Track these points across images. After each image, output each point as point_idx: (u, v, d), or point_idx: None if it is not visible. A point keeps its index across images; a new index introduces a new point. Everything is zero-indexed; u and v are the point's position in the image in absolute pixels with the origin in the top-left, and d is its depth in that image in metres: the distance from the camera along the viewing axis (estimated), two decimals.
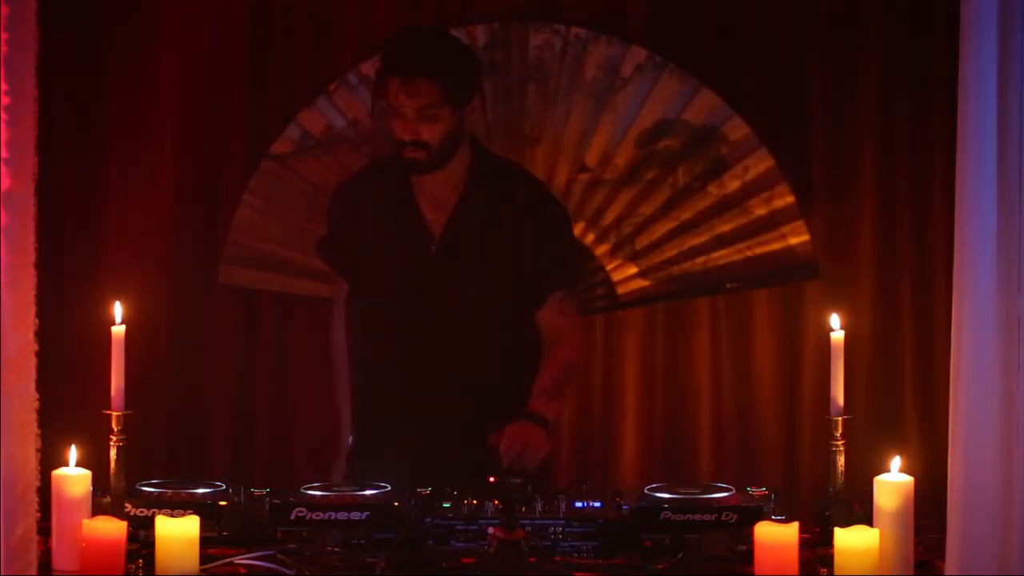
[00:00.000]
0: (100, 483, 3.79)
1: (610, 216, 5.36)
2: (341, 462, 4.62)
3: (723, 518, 3.86)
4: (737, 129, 5.30)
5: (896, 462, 3.69)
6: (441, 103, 4.31)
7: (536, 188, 4.63)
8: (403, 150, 4.35)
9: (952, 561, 3.42)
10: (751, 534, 3.65)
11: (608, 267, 5.36)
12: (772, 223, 5.32)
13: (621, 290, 5.37)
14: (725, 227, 5.34)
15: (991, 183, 3.40)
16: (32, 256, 3.36)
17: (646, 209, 5.35)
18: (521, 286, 4.46)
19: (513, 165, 4.76)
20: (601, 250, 5.36)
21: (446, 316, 4.45)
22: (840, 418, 3.79)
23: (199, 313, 5.32)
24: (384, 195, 4.49)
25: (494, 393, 4.45)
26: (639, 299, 5.38)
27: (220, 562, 3.74)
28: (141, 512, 3.87)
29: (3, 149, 3.32)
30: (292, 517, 3.90)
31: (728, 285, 5.36)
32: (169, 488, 3.99)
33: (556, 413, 4.46)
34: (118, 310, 3.85)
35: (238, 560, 3.76)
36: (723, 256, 5.34)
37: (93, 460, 3.79)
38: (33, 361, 3.35)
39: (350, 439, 4.62)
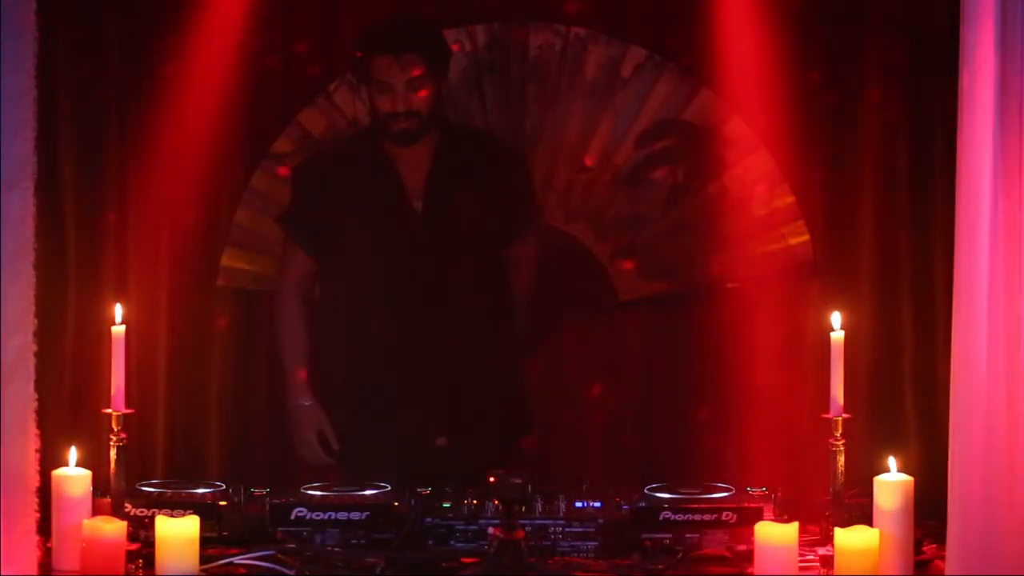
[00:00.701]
0: (100, 483, 3.79)
1: (610, 216, 5.35)
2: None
3: (723, 518, 3.86)
4: (737, 129, 5.30)
5: (892, 462, 3.69)
6: (427, 75, 4.68)
7: (497, 145, 5.00)
8: (394, 122, 4.69)
9: (952, 561, 3.42)
10: (751, 534, 3.65)
11: (608, 267, 5.36)
12: (772, 223, 5.32)
13: (621, 290, 5.36)
14: (725, 227, 5.33)
15: (992, 183, 3.40)
16: (32, 256, 3.37)
17: (646, 209, 5.35)
18: (497, 228, 4.84)
19: (474, 129, 5.11)
20: (601, 250, 5.36)
21: (435, 268, 4.77)
22: (840, 418, 3.79)
23: (199, 313, 5.31)
24: (365, 165, 4.79)
25: (484, 345, 4.81)
26: (639, 299, 5.38)
27: (220, 562, 3.74)
28: (141, 512, 3.87)
29: (3, 149, 3.32)
30: (292, 517, 3.90)
31: (728, 285, 5.35)
32: (169, 488, 3.99)
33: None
34: (118, 310, 3.85)
35: (238, 560, 3.76)
36: (723, 256, 5.33)
37: (93, 460, 3.79)
38: (32, 361, 3.35)
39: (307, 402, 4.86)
